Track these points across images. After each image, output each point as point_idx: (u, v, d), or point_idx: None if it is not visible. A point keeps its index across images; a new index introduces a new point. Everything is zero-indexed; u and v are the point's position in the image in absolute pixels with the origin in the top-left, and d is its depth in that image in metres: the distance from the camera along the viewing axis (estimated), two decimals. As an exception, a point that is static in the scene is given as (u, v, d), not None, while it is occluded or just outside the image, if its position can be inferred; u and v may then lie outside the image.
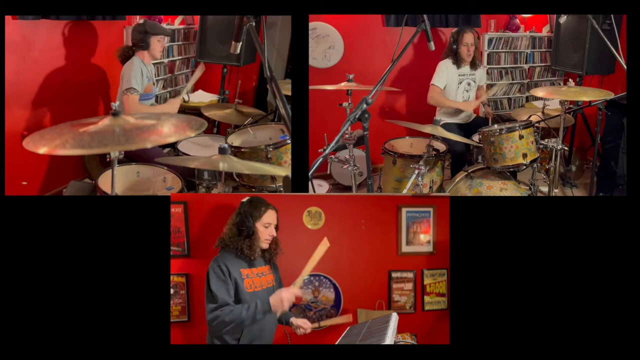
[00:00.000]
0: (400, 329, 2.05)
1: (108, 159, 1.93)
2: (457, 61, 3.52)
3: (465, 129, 3.51)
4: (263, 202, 1.89)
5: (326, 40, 3.91)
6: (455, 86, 3.56)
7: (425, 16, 2.28)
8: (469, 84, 3.59)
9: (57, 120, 3.23)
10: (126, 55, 3.11)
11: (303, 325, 1.92)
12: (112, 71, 3.54)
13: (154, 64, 3.29)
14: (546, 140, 3.06)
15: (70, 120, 1.67)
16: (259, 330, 1.85)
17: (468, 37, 3.46)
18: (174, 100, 3.28)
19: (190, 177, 2.73)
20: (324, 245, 1.88)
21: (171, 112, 3.09)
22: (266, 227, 1.87)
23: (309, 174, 1.64)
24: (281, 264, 2.15)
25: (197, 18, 4.11)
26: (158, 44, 3.14)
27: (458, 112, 3.62)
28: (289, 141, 2.70)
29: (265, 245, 1.90)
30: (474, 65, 3.56)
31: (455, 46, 3.50)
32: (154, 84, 3.24)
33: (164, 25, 3.78)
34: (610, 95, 2.82)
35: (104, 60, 3.53)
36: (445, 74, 3.52)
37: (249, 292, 1.82)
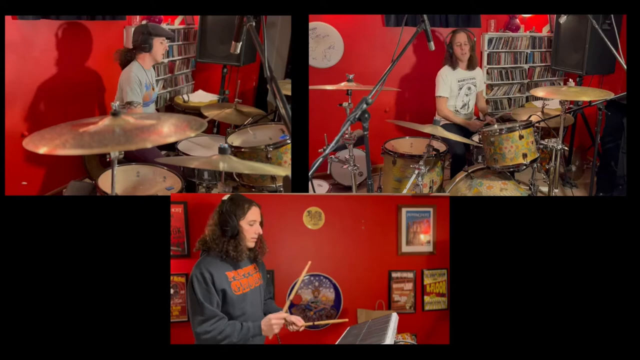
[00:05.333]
0: (400, 329, 2.05)
1: (108, 159, 1.93)
2: (454, 63, 3.55)
3: (465, 129, 3.52)
4: (245, 200, 1.79)
5: (326, 40, 3.91)
6: (456, 92, 3.59)
7: (425, 16, 2.28)
8: (469, 89, 3.61)
9: (57, 120, 3.20)
10: (126, 59, 3.08)
11: (296, 322, 1.80)
12: (112, 71, 3.53)
13: (153, 66, 3.26)
14: (546, 140, 3.06)
15: (70, 120, 1.67)
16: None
17: (460, 37, 3.51)
18: None
19: (190, 177, 2.72)
20: (307, 267, 1.90)
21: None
22: (251, 225, 1.77)
23: (309, 174, 1.64)
24: (281, 264, 2.15)
25: (197, 18, 4.11)
26: (160, 46, 3.12)
27: (458, 112, 3.63)
28: (289, 141, 2.70)
29: (251, 244, 1.80)
30: (471, 65, 3.58)
31: (450, 50, 3.55)
32: (153, 89, 3.22)
33: (163, 25, 3.78)
34: (610, 95, 2.82)
35: (104, 61, 3.53)
36: (444, 82, 3.55)
37: (238, 294, 1.74)
